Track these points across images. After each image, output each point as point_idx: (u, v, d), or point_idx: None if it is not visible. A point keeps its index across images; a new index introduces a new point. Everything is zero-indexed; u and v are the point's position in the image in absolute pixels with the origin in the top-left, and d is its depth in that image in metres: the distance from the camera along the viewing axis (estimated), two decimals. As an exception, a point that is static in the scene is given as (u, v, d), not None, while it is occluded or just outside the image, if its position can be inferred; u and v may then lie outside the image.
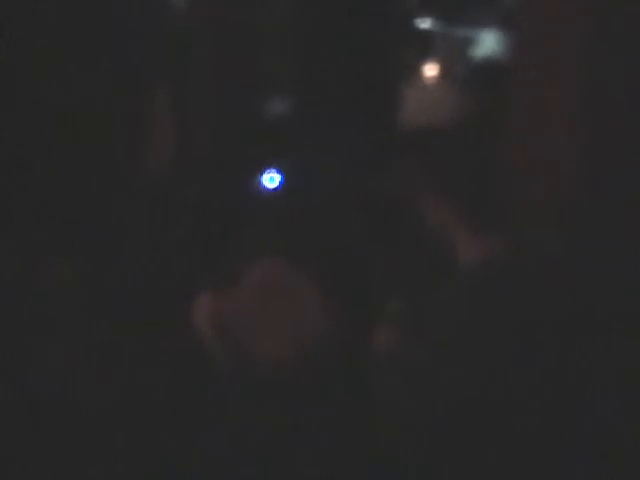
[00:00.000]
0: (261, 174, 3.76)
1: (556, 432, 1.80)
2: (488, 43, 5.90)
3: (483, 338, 1.85)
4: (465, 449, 1.79)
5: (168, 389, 1.96)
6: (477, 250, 1.92)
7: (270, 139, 4.39)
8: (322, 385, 1.91)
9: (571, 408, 1.82)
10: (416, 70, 5.40)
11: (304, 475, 1.81)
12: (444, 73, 5.43)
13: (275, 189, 3.73)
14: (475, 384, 1.82)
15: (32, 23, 2.66)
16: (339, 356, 1.97)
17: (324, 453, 1.82)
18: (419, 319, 2.01)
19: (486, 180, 1.99)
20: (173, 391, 1.96)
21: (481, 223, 1.95)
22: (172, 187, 3.50)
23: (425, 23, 5.82)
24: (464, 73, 5.58)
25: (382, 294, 2.21)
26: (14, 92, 2.48)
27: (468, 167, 1.99)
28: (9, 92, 2.46)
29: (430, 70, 5.44)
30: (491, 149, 2.11)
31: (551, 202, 2.35)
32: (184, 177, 3.84)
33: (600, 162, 2.33)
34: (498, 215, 1.97)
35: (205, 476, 1.82)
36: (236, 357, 1.94)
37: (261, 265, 2.00)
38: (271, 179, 3.78)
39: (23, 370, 2.19)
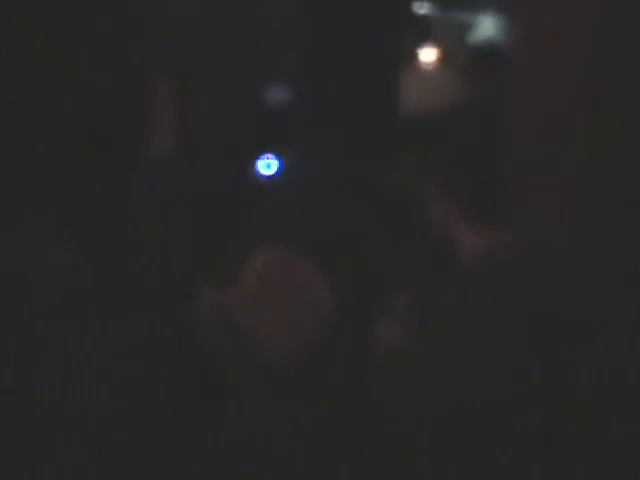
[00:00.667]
0: (260, 161, 3.75)
1: (562, 430, 1.79)
2: (486, 27, 5.89)
3: (485, 331, 1.84)
4: (468, 446, 1.78)
5: (170, 384, 1.95)
6: (478, 243, 1.91)
7: (270, 126, 4.38)
8: (323, 379, 1.90)
9: (576, 401, 1.81)
10: (415, 55, 5.39)
11: (306, 471, 1.81)
12: (443, 58, 5.42)
13: (273, 176, 3.72)
14: (478, 378, 1.81)
15: (31, 16, 2.65)
16: (341, 349, 1.97)
17: (324, 449, 1.81)
18: (421, 312, 2.00)
19: (486, 169, 1.98)
20: (175, 386, 1.95)
21: (482, 215, 1.94)
22: (172, 176, 3.49)
23: (423, 8, 5.81)
24: (463, 58, 5.57)
25: (384, 286, 2.20)
26: (12, 88, 2.47)
27: (468, 155, 1.98)
28: (7, 88, 2.45)
29: (429, 55, 5.43)
30: (491, 136, 2.10)
31: (553, 193, 2.34)
32: (184, 166, 3.83)
33: (604, 150, 2.32)
34: (499, 206, 1.96)
35: (208, 472, 1.81)
36: (240, 349, 1.93)
37: (262, 254, 2.00)
38: (268, 166, 3.77)
39: (22, 363, 2.18)
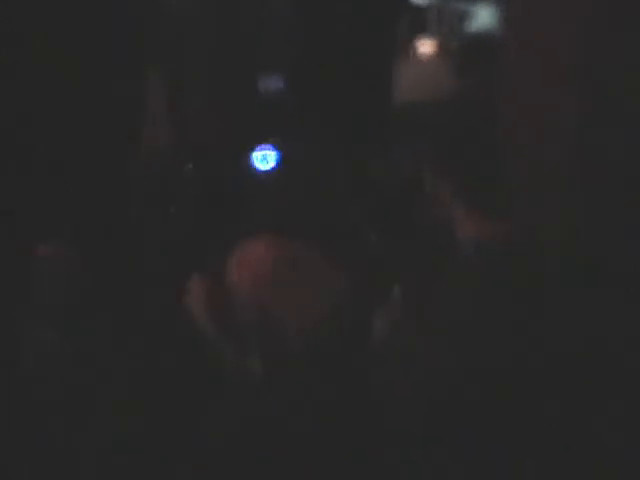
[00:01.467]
0: (258, 152, 3.75)
1: (559, 425, 1.79)
2: (483, 17, 5.88)
3: (482, 321, 1.84)
4: (465, 441, 1.78)
5: (163, 375, 1.95)
6: (477, 233, 1.90)
7: (267, 117, 4.38)
8: (321, 374, 1.90)
9: (571, 395, 1.81)
10: (411, 45, 5.38)
11: (305, 467, 1.81)
12: (439, 48, 5.41)
13: (272, 168, 3.72)
14: (473, 369, 1.81)
15: (31, 8, 2.64)
16: (340, 343, 1.97)
17: (322, 444, 1.81)
18: (419, 301, 2.00)
19: (483, 157, 1.97)
20: (167, 376, 1.95)
21: (480, 204, 1.94)
22: (169, 168, 3.48)
23: (419, -2, 5.81)
24: (459, 47, 5.56)
25: (382, 280, 2.20)
26: (11, 84, 2.47)
27: (465, 144, 1.97)
28: (6, 83, 2.45)
29: (425, 45, 5.42)
30: (488, 125, 2.10)
31: (550, 180, 2.33)
32: (181, 158, 3.83)
33: (600, 136, 2.31)
34: (498, 196, 1.96)
35: (207, 470, 1.81)
36: (233, 339, 1.93)
37: (255, 241, 2.00)
38: (265, 158, 3.77)
39: (17, 356, 2.19)
